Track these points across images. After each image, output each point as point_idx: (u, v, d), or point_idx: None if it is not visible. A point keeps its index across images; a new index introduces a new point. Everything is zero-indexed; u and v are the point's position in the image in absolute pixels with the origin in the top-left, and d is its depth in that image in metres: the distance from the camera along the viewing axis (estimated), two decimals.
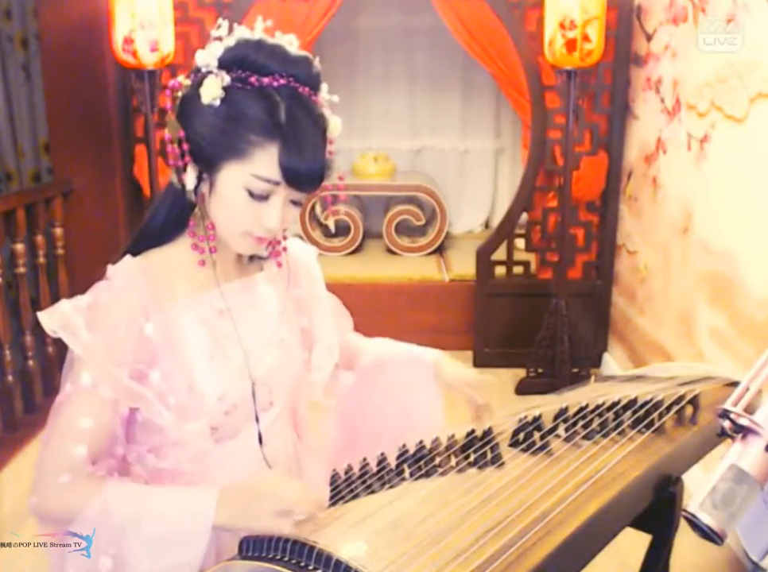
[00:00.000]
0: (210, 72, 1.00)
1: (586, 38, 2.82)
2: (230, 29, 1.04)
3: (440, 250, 4.29)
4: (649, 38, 3.04)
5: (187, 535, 0.91)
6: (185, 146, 1.02)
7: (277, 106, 0.99)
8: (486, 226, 4.88)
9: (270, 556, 0.87)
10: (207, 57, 1.02)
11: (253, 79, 0.99)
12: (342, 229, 4.27)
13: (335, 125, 1.08)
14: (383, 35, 4.54)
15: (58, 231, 3.23)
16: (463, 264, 3.87)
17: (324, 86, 1.08)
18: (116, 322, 1.01)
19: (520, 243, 3.55)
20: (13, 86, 4.18)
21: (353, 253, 4.27)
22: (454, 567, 0.84)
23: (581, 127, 3.26)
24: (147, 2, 2.77)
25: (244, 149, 0.98)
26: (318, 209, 4.11)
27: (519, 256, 3.54)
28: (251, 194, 1.00)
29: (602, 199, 3.42)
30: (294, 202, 1.04)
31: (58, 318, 1.00)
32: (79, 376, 1.00)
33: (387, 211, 4.38)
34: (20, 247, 2.92)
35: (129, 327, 1.01)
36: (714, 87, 2.37)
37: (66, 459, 0.98)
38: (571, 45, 2.84)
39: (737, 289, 2.20)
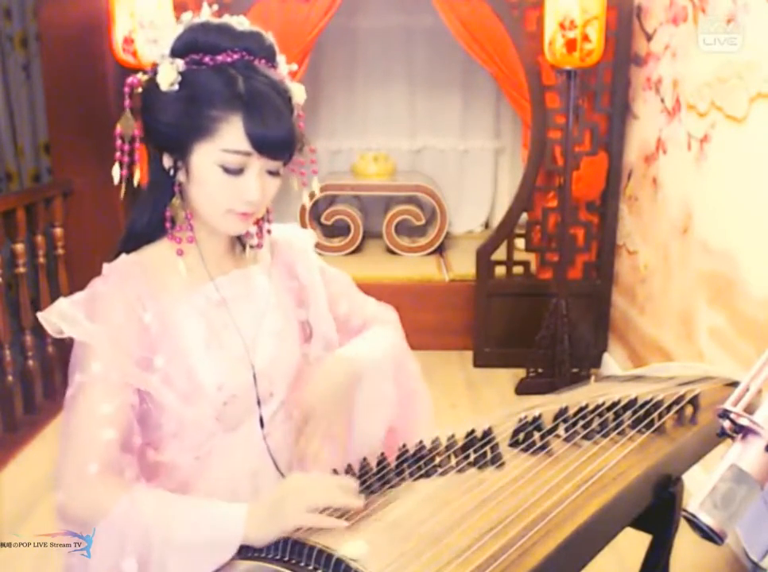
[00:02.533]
0: (164, 62, 1.02)
1: (586, 38, 2.82)
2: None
3: (440, 250, 4.30)
4: (649, 38, 3.04)
5: (215, 545, 0.88)
6: (137, 144, 1.06)
7: (234, 78, 1.00)
8: (486, 226, 4.88)
9: (270, 556, 0.87)
10: (160, 49, 1.04)
11: (207, 59, 1.01)
12: (342, 230, 4.27)
13: (298, 91, 1.08)
14: (383, 35, 4.54)
15: (58, 231, 3.23)
16: (463, 264, 3.87)
17: (282, 58, 1.08)
18: (115, 311, 1.02)
19: (520, 243, 3.55)
20: (13, 86, 4.18)
21: (353, 253, 4.27)
22: (454, 567, 0.84)
23: (581, 127, 3.26)
24: (147, 2, 2.77)
25: (210, 126, 0.99)
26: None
27: (519, 256, 3.54)
28: (226, 169, 1.01)
29: (602, 199, 3.42)
30: (271, 173, 1.05)
31: (58, 315, 1.00)
32: (89, 366, 0.99)
33: (387, 211, 4.38)
34: (20, 247, 2.92)
35: (129, 315, 1.02)
36: (714, 87, 2.37)
37: (94, 446, 0.96)
38: (571, 45, 2.83)
39: (737, 289, 2.20)
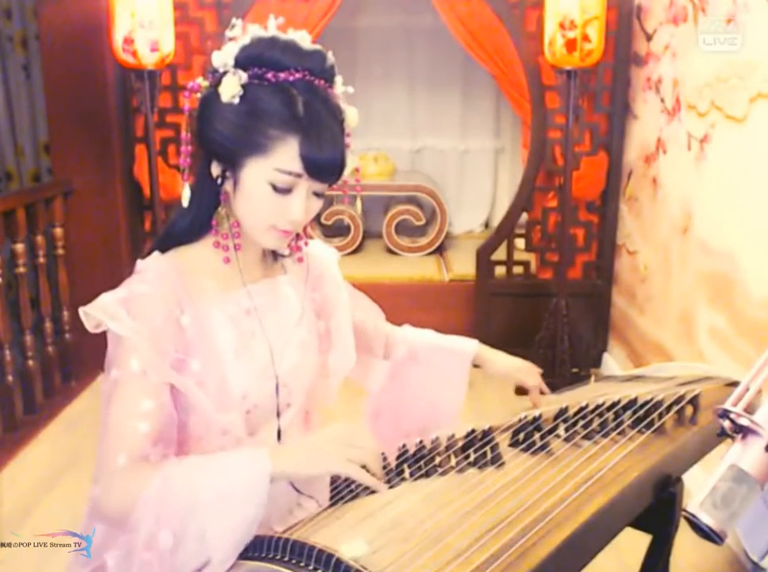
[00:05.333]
0: (227, 72, 1.02)
1: (586, 38, 2.82)
2: (244, 29, 1.05)
3: (440, 250, 4.29)
4: (649, 38, 3.04)
5: (247, 485, 0.89)
6: (189, 148, 1.06)
7: (294, 99, 1.01)
8: (486, 226, 4.88)
9: (270, 556, 0.87)
10: (224, 57, 1.04)
11: (269, 75, 1.01)
12: (342, 229, 4.27)
13: (352, 115, 1.10)
14: (383, 35, 4.54)
15: (58, 231, 3.23)
16: (463, 264, 3.87)
17: (339, 79, 1.10)
18: (154, 310, 1.02)
19: (520, 243, 3.55)
20: (13, 86, 4.18)
21: (353, 253, 4.26)
22: (454, 567, 0.84)
23: (581, 127, 3.26)
24: (147, 2, 2.77)
25: (265, 144, 1.00)
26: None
27: (519, 256, 3.54)
28: (275, 187, 1.02)
29: (602, 199, 3.42)
30: (317, 194, 1.06)
31: (101, 310, 1.00)
32: (128, 363, 0.99)
33: (387, 211, 4.38)
34: (20, 247, 2.92)
35: (167, 316, 1.03)
36: (714, 87, 2.37)
37: (126, 439, 0.97)
38: (571, 45, 2.84)
39: (737, 289, 2.20)
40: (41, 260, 3.09)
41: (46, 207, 3.14)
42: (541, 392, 1.41)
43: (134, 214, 3.41)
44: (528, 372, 1.41)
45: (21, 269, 2.93)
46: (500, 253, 3.53)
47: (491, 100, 4.65)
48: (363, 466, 0.94)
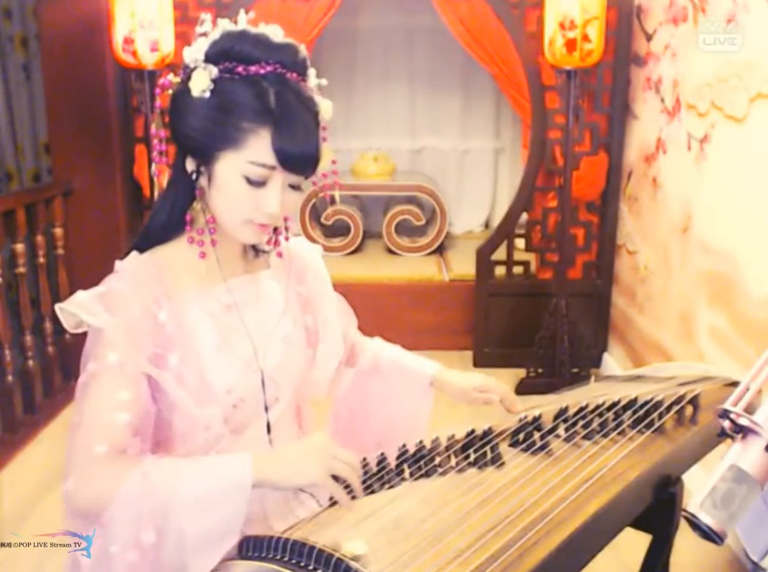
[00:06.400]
0: (198, 67, 1.02)
1: (586, 38, 2.82)
2: (214, 24, 1.05)
3: (440, 250, 4.30)
4: (649, 38, 3.04)
5: (226, 488, 0.90)
6: (162, 146, 1.07)
7: (265, 91, 1.00)
8: (486, 226, 4.88)
9: (270, 556, 0.88)
10: (194, 53, 1.04)
11: (240, 69, 1.01)
12: (342, 229, 4.27)
13: (326, 107, 1.09)
14: (383, 35, 4.54)
15: (58, 231, 3.23)
16: (463, 264, 3.87)
17: (312, 72, 1.09)
18: (131, 306, 1.02)
19: (520, 243, 3.55)
20: (13, 87, 4.18)
21: (353, 253, 4.27)
22: (454, 567, 0.84)
23: (581, 127, 3.26)
24: (147, 2, 2.77)
25: (238, 137, 1.00)
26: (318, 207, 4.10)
27: (519, 256, 3.54)
28: (249, 181, 1.01)
29: (602, 199, 3.42)
30: (293, 187, 1.06)
31: (77, 305, 1.00)
32: (105, 355, 0.99)
33: (387, 211, 4.38)
34: (20, 247, 2.92)
35: (145, 312, 1.03)
36: (714, 87, 2.37)
37: (105, 429, 0.96)
38: (571, 45, 2.84)
39: (737, 289, 2.20)
40: (41, 260, 3.09)
41: (46, 207, 3.14)
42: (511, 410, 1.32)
43: (134, 214, 3.41)
44: (488, 388, 1.33)
45: (21, 269, 2.93)
46: (500, 253, 3.53)
47: (491, 100, 4.65)
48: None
